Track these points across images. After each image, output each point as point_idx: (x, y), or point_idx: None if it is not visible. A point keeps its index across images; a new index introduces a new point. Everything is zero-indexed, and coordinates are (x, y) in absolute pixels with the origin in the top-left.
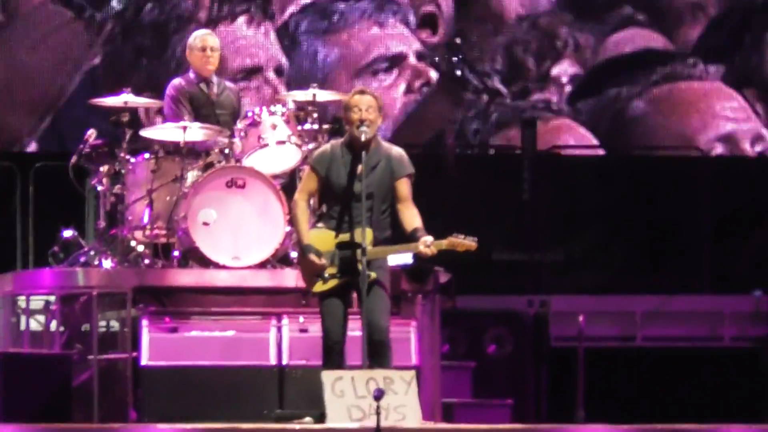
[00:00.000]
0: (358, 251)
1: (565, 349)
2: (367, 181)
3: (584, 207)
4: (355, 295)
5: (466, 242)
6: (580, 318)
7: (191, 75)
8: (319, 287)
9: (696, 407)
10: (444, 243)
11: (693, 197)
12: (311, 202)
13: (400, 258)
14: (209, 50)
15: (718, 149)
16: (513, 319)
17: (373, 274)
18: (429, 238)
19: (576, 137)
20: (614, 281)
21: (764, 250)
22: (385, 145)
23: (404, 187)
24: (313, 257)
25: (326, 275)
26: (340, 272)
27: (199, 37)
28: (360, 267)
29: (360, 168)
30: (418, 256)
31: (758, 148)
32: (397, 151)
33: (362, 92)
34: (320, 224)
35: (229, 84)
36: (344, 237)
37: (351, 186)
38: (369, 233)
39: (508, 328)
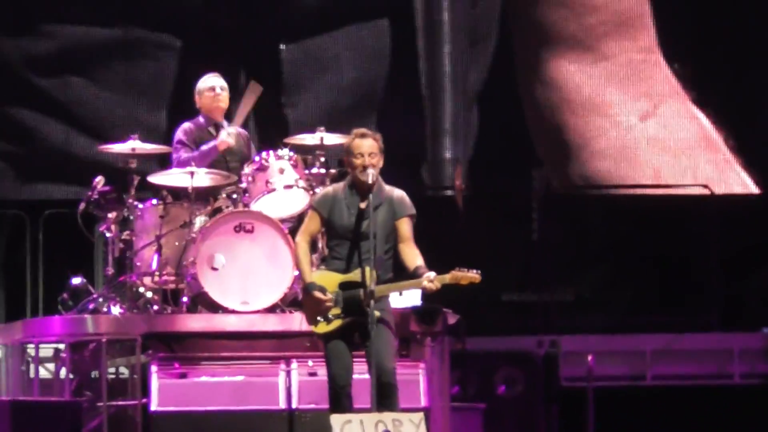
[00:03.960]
0: (364, 291)
1: (575, 389)
2: (368, 223)
3: (593, 246)
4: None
5: (469, 275)
6: (589, 358)
7: (201, 119)
8: (323, 328)
9: None
10: (447, 277)
11: (701, 235)
12: (319, 245)
13: (408, 299)
14: (218, 88)
15: None
16: (523, 359)
17: (378, 313)
18: (432, 273)
19: None
20: (623, 320)
21: None
22: (387, 187)
23: (406, 227)
24: (318, 294)
25: (330, 316)
26: (345, 313)
27: (208, 79)
28: (366, 308)
29: (363, 205)
30: (426, 297)
31: None
32: (399, 192)
33: (363, 135)
34: (323, 266)
35: (239, 129)
36: (348, 277)
37: (355, 227)
38: (373, 273)
39: (518, 368)
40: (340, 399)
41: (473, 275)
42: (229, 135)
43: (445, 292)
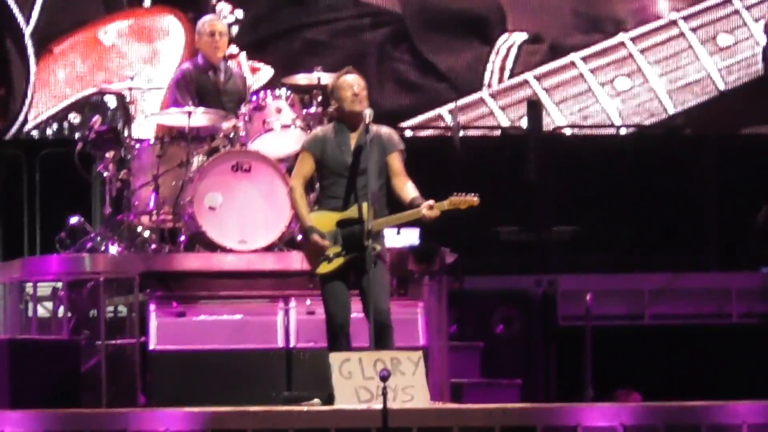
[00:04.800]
0: (362, 225)
1: (573, 328)
2: (362, 158)
3: (591, 186)
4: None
5: (467, 198)
6: (588, 297)
7: (200, 60)
8: (325, 267)
9: (704, 384)
10: (446, 203)
11: (700, 174)
12: (317, 185)
13: (406, 238)
14: (218, 35)
15: None
16: (521, 298)
17: (378, 247)
18: (431, 201)
19: None
20: (622, 260)
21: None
22: (374, 125)
23: (397, 161)
24: (316, 238)
25: (331, 255)
26: (345, 250)
27: (207, 22)
28: (365, 242)
29: (354, 140)
30: (424, 236)
31: None
32: (386, 129)
33: (349, 72)
34: (317, 207)
35: (236, 70)
36: (345, 215)
37: (350, 163)
38: (370, 208)
39: (516, 308)
40: (338, 338)
41: (471, 198)
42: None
43: (443, 231)
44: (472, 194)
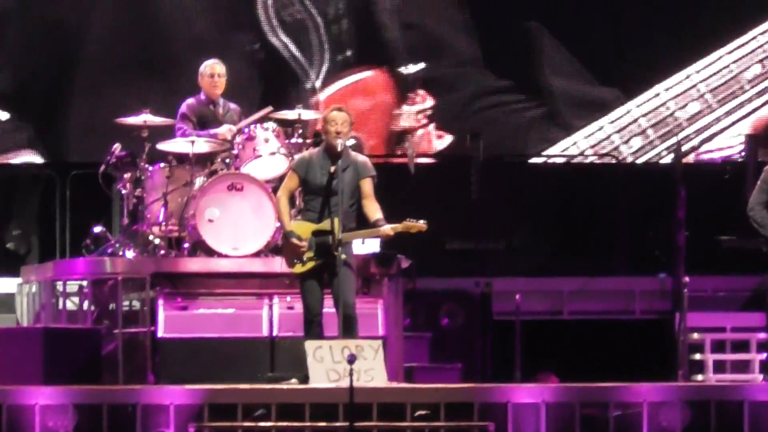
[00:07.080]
0: (333, 237)
1: (505, 322)
2: (336, 182)
3: (522, 204)
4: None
5: (417, 224)
6: (517, 296)
7: (202, 96)
8: (299, 268)
9: (612, 369)
10: (400, 226)
11: (610, 196)
12: (297, 201)
13: (369, 247)
14: (217, 76)
15: None
16: (463, 297)
17: (344, 256)
18: (389, 225)
19: None
20: (545, 265)
21: (666, 239)
22: (353, 153)
23: (368, 186)
24: (295, 241)
25: (305, 258)
26: (317, 255)
27: (209, 65)
28: (334, 252)
29: (332, 169)
30: (384, 245)
31: None
32: (363, 158)
33: (339, 109)
34: (299, 217)
35: (232, 105)
36: (320, 226)
37: (326, 185)
38: (339, 223)
39: (459, 304)
40: (312, 326)
41: (421, 225)
42: (229, 131)
43: (400, 241)
44: (422, 221)
